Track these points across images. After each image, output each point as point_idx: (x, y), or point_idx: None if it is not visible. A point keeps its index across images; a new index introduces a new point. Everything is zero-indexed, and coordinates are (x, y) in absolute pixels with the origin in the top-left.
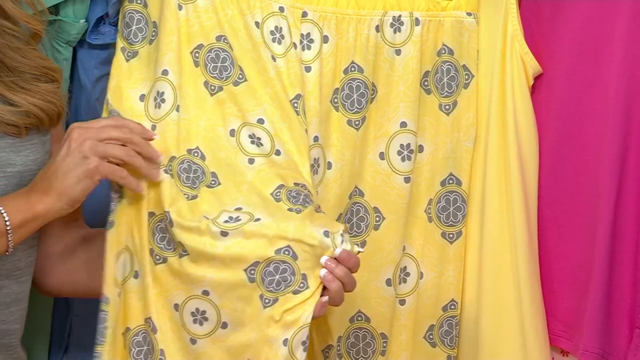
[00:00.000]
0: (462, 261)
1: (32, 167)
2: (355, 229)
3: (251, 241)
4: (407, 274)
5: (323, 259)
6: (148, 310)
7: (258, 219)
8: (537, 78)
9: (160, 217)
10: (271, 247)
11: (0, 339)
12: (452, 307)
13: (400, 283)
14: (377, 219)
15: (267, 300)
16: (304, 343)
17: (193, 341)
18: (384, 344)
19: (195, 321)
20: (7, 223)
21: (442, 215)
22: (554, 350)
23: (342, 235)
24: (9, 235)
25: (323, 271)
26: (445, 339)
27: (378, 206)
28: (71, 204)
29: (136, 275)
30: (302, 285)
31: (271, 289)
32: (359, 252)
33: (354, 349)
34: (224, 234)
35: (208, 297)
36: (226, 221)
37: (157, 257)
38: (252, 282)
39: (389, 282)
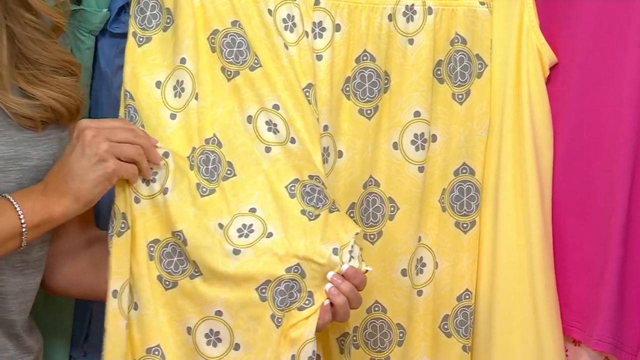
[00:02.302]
0: (476, 251)
1: (48, 161)
2: (371, 219)
3: (262, 259)
4: (424, 265)
5: (330, 274)
6: (151, 340)
7: (270, 234)
8: (552, 68)
9: (165, 242)
10: (282, 265)
11: (10, 329)
12: (467, 296)
13: (417, 274)
14: (392, 209)
15: (279, 320)
16: (310, 358)
17: None
18: (401, 335)
19: (209, 343)
20: (23, 224)
21: (455, 205)
22: (566, 340)
23: (351, 250)
24: (23, 235)
25: (328, 285)
26: (460, 329)
27: (393, 196)
28: (88, 205)
29: (135, 307)
30: (307, 302)
31: (282, 307)
32: (366, 270)
33: (372, 339)
34: (236, 252)
35: (221, 317)
36: (239, 229)
37: (167, 282)
38: (263, 301)
39: (404, 273)
